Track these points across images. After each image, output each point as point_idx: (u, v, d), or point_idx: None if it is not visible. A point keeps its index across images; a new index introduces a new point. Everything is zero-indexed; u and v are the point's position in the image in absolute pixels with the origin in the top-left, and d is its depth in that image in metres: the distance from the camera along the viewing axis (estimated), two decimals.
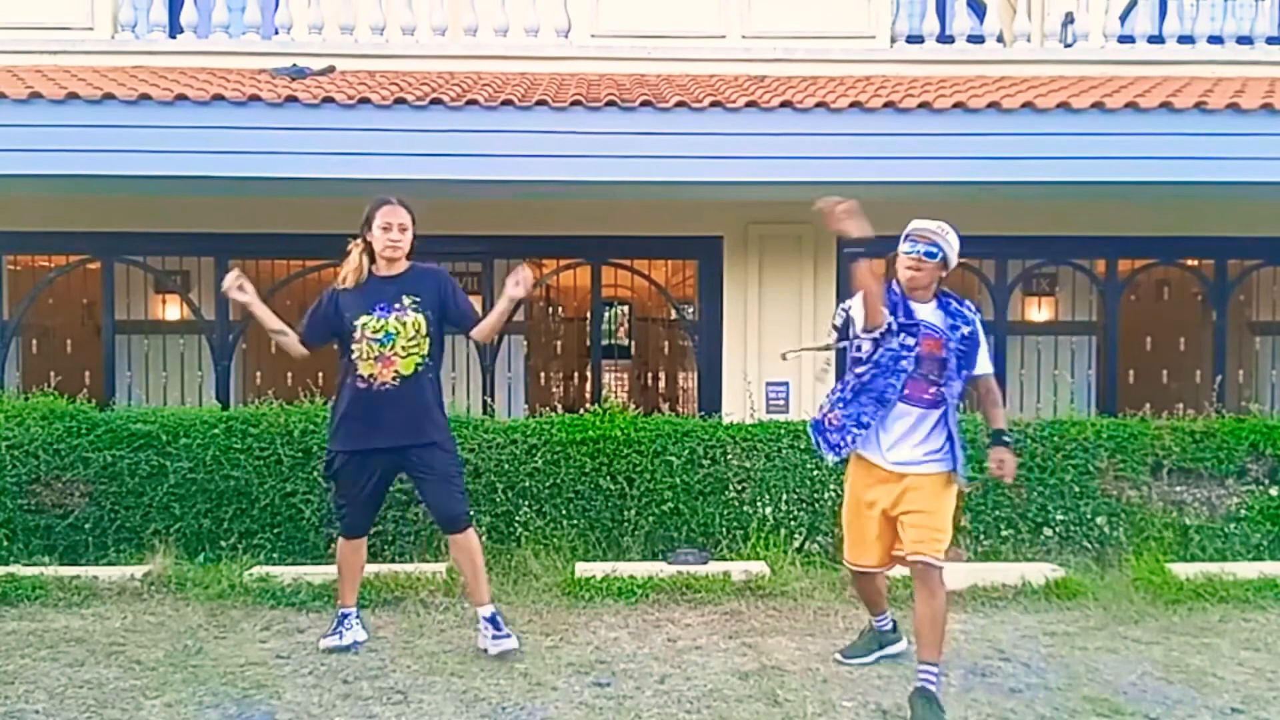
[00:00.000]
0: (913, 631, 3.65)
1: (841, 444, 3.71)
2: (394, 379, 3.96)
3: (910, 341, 3.59)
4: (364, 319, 3.96)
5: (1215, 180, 5.81)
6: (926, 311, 3.65)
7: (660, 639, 4.32)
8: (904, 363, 3.59)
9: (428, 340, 4.02)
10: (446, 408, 4.23)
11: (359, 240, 4.07)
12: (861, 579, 3.96)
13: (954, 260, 3.67)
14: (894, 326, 3.59)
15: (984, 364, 3.74)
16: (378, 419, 3.97)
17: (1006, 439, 3.77)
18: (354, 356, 3.97)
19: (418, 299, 4.02)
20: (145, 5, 7.47)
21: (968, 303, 3.77)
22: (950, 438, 3.62)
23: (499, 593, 4.86)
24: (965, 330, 3.65)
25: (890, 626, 4.08)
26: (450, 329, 4.17)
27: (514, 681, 3.79)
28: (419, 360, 4.00)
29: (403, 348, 3.97)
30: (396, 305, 3.99)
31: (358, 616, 4.28)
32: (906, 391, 3.61)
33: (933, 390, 3.61)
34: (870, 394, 3.65)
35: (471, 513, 4.36)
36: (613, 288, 8.43)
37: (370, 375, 3.96)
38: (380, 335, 3.95)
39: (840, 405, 3.73)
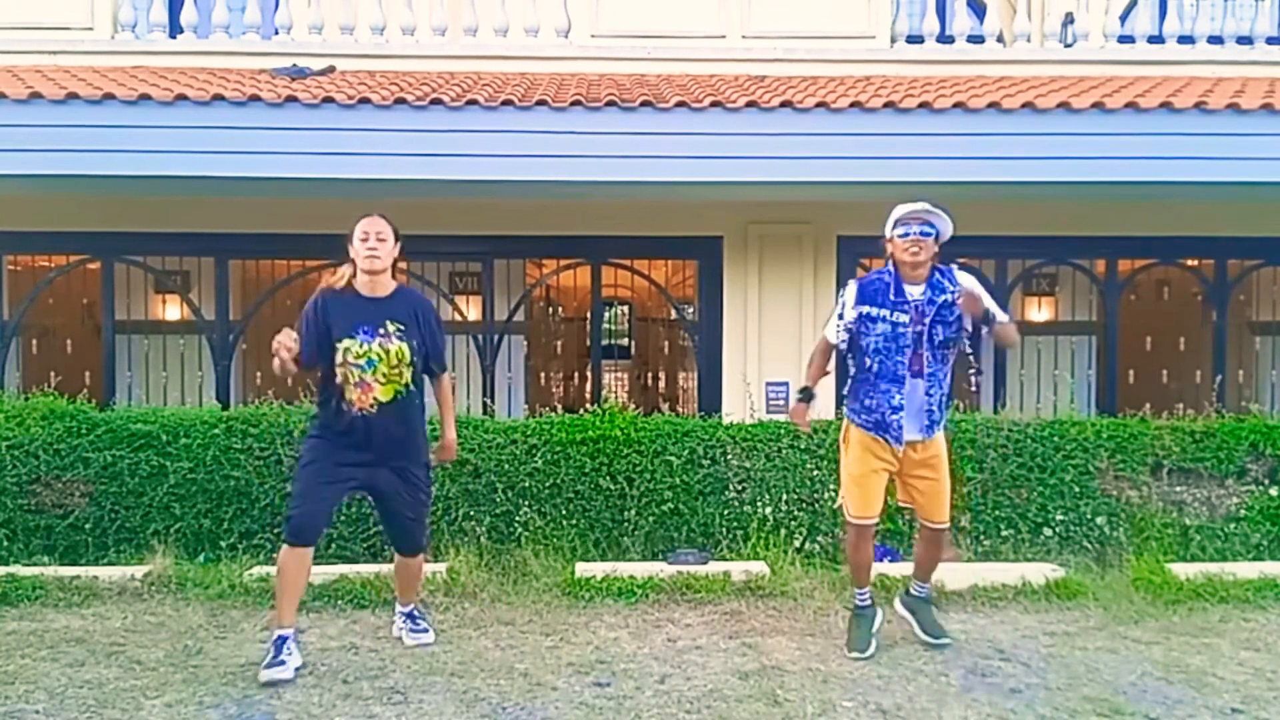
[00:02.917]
0: (914, 561, 4.35)
1: (901, 433, 3.98)
2: (372, 406, 3.85)
3: (904, 319, 3.92)
4: (346, 343, 3.82)
5: (1215, 180, 5.81)
6: (916, 291, 3.95)
7: (660, 639, 4.32)
8: (903, 340, 3.92)
9: (410, 369, 3.90)
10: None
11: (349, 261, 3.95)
12: (865, 538, 4.15)
13: (946, 234, 3.96)
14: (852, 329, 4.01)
15: (998, 313, 3.98)
16: (355, 443, 3.87)
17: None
18: (337, 380, 3.85)
19: (401, 326, 3.88)
20: (145, 5, 7.47)
21: (951, 270, 4.01)
22: (944, 403, 4.04)
23: (499, 593, 4.88)
24: (942, 298, 3.92)
25: (869, 601, 4.20)
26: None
27: (514, 681, 3.79)
28: (399, 388, 3.88)
29: (384, 374, 3.85)
30: (380, 330, 3.86)
31: (296, 639, 3.88)
32: (913, 366, 3.93)
33: (926, 359, 3.93)
34: (884, 378, 3.94)
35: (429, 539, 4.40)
36: (613, 288, 8.42)
37: (350, 400, 3.84)
38: (362, 361, 3.83)
39: (869, 397, 4.01)
